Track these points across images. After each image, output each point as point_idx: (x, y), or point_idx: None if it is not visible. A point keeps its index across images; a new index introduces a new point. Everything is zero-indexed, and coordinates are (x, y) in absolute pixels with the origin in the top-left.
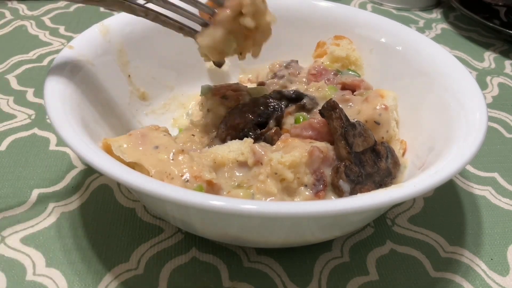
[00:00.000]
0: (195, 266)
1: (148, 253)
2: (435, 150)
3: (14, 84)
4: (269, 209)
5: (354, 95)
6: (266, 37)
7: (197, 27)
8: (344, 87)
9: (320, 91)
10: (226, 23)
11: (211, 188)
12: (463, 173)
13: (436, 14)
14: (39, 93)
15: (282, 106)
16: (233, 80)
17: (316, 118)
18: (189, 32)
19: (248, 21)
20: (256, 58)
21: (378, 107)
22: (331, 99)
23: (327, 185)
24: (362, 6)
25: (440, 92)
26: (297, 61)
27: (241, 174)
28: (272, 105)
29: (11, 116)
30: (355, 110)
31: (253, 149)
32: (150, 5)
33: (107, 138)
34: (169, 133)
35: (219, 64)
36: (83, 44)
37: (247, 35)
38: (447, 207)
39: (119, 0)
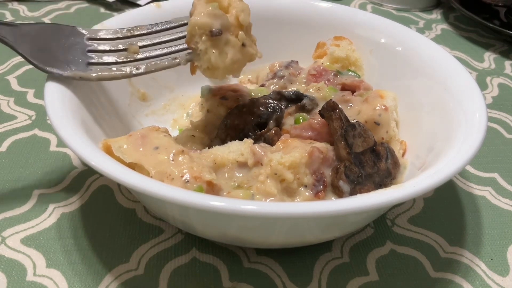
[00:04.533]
0: (195, 266)
1: (148, 253)
2: (435, 151)
3: (15, 85)
4: (269, 210)
5: (354, 95)
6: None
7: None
8: (344, 87)
9: (320, 92)
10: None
11: (211, 188)
12: (463, 173)
13: (436, 15)
14: (40, 94)
15: (282, 106)
16: (233, 80)
17: (316, 119)
18: (187, 59)
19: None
20: (236, 77)
21: (378, 108)
22: (331, 99)
23: (327, 186)
24: (362, 6)
25: (440, 92)
26: (297, 62)
27: (241, 175)
28: (271, 106)
29: (12, 117)
30: (355, 110)
31: (253, 150)
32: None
33: (107, 139)
34: (169, 134)
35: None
36: None
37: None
38: (447, 207)
39: (107, 68)
